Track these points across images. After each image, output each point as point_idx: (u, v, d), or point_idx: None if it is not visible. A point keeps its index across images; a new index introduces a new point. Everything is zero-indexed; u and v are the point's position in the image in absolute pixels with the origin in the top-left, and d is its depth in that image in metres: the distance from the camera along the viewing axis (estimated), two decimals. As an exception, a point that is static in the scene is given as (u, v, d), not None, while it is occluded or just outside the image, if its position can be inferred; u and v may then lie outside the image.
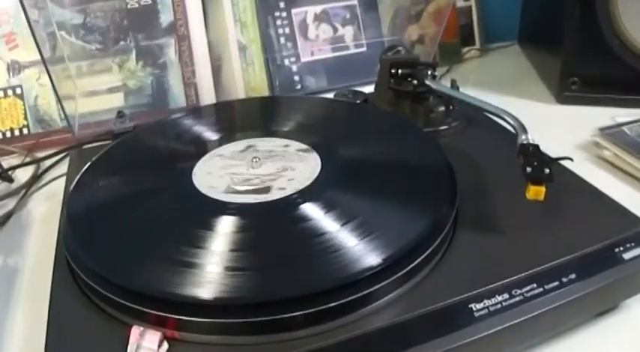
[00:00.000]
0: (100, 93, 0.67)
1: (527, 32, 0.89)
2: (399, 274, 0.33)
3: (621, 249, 0.36)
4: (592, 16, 0.64)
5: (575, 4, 0.64)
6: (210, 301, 0.31)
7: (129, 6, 0.67)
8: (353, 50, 0.77)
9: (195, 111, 0.64)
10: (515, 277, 0.33)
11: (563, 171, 0.43)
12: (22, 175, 0.61)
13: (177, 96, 0.70)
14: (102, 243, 0.37)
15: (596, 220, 0.38)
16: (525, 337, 0.34)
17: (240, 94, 0.72)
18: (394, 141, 0.47)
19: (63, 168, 0.59)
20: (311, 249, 0.34)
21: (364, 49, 0.77)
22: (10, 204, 0.56)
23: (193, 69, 0.70)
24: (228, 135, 0.49)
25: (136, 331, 0.30)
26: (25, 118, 0.68)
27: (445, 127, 0.52)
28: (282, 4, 0.74)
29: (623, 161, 0.54)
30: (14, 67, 0.67)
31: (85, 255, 0.35)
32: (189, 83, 0.70)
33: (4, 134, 0.67)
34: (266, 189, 0.40)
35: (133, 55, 0.68)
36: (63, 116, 0.65)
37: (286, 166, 0.43)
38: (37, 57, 0.58)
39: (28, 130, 0.68)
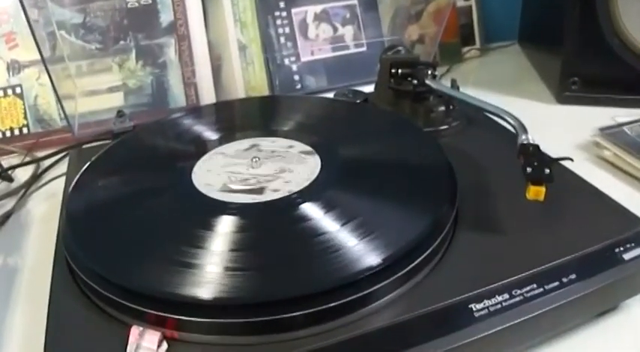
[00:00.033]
0: (100, 93, 0.67)
1: (528, 32, 0.89)
2: (399, 274, 0.33)
3: (621, 249, 0.36)
4: (592, 15, 0.64)
5: (575, 4, 0.64)
6: (209, 301, 0.31)
7: (129, 5, 0.67)
8: (353, 50, 0.77)
9: (195, 110, 0.64)
10: (515, 277, 0.33)
11: (563, 171, 0.43)
12: (22, 175, 0.61)
13: (177, 95, 0.70)
14: (101, 243, 0.36)
15: (596, 220, 0.38)
16: (525, 337, 0.34)
17: (240, 94, 0.72)
18: (394, 140, 0.47)
19: (63, 167, 0.59)
20: (311, 249, 0.34)
21: (364, 48, 0.77)
22: (10, 203, 0.56)
23: (193, 68, 0.70)
24: (228, 134, 0.49)
25: (135, 331, 0.30)
26: (25, 118, 0.68)
27: (445, 127, 0.52)
28: (282, 4, 0.74)
29: (623, 161, 0.54)
30: (14, 67, 0.67)
31: (84, 254, 0.35)
32: (189, 83, 0.70)
33: (3, 133, 0.67)
34: (260, 190, 0.40)
35: (133, 55, 0.68)
36: (63, 116, 0.65)
37: (285, 168, 0.43)
38: (37, 56, 0.58)
39: (28, 130, 0.68)
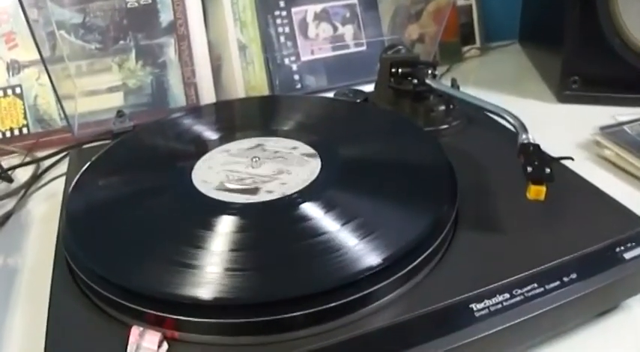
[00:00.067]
0: (100, 93, 0.67)
1: (528, 31, 0.88)
2: (400, 274, 0.33)
3: (622, 248, 0.36)
4: (592, 14, 0.63)
5: (575, 3, 0.64)
6: (209, 301, 0.31)
7: (128, 5, 0.67)
8: (353, 49, 0.77)
9: (195, 110, 0.64)
10: (515, 277, 0.33)
11: (563, 171, 0.43)
12: (22, 175, 0.61)
13: (177, 95, 0.70)
14: (101, 243, 0.36)
15: (597, 220, 0.38)
16: (526, 337, 0.34)
17: (240, 94, 0.72)
18: (394, 140, 0.47)
19: (63, 167, 0.59)
20: (311, 249, 0.34)
21: (364, 47, 0.77)
22: (10, 203, 0.56)
23: (193, 68, 0.70)
24: (228, 134, 0.49)
25: (135, 331, 0.30)
26: (25, 118, 0.67)
27: (445, 126, 0.52)
28: (282, 3, 0.74)
29: (624, 160, 0.54)
30: (14, 67, 0.67)
31: (84, 254, 0.35)
32: (189, 82, 0.70)
33: (3, 134, 0.67)
34: (254, 191, 0.40)
35: (133, 55, 0.68)
36: (62, 116, 0.65)
37: (283, 169, 0.43)
38: (37, 56, 0.58)
39: (28, 130, 0.68)
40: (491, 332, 0.31)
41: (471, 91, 0.52)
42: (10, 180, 0.59)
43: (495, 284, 0.33)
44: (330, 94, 0.60)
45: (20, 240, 0.51)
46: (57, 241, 0.40)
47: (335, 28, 0.76)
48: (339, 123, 0.52)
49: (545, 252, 0.35)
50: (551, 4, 0.75)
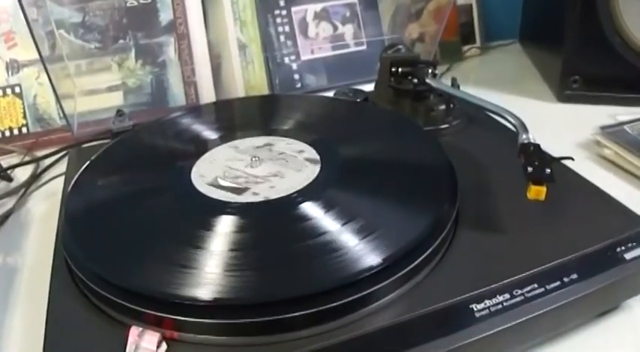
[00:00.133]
0: (99, 92, 0.67)
1: (528, 30, 0.88)
2: (400, 274, 0.32)
3: (623, 248, 0.36)
4: (593, 14, 0.63)
5: (576, 3, 0.64)
6: (209, 301, 0.31)
7: (128, 4, 0.67)
8: (353, 48, 0.77)
9: (195, 109, 0.64)
10: (516, 277, 0.33)
11: (564, 171, 0.43)
12: (22, 174, 0.61)
13: (177, 94, 0.70)
14: (100, 243, 0.36)
15: (597, 220, 0.38)
16: (526, 337, 0.34)
17: (240, 93, 0.72)
18: (394, 139, 0.47)
19: (62, 167, 0.58)
20: (311, 249, 0.34)
21: (364, 47, 0.77)
22: (9, 203, 0.56)
23: (193, 67, 0.70)
24: (228, 133, 0.49)
25: (134, 331, 0.30)
26: (24, 117, 0.67)
27: (446, 126, 0.52)
28: (282, 3, 0.74)
29: (624, 160, 0.54)
30: (13, 66, 0.67)
31: (83, 254, 0.35)
32: (189, 82, 0.70)
33: (3, 133, 0.67)
34: (241, 191, 0.40)
35: (133, 54, 0.68)
36: (62, 115, 0.65)
37: (279, 172, 0.42)
38: (36, 56, 0.58)
39: (27, 129, 0.67)
40: (491, 332, 0.31)
41: (471, 91, 0.52)
42: (10, 180, 0.59)
43: (496, 285, 0.33)
44: (330, 94, 0.60)
45: (20, 240, 0.50)
46: (56, 240, 0.40)
47: (335, 28, 0.76)
48: (338, 122, 0.52)
49: (545, 252, 0.35)
50: (551, 4, 0.75)
